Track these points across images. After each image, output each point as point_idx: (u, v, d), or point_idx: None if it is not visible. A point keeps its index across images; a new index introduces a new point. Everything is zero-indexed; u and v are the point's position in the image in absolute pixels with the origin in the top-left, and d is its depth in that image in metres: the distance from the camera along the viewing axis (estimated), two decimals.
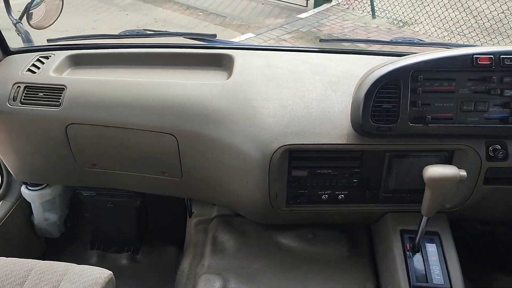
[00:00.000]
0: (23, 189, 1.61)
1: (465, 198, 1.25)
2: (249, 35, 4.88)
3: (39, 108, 1.31)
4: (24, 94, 1.32)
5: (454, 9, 5.03)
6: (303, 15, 5.48)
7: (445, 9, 5.08)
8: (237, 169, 1.25)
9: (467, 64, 1.13)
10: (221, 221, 1.48)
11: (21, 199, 1.65)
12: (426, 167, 1.05)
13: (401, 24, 5.25)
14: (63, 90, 1.32)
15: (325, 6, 5.71)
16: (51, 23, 1.67)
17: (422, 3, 5.32)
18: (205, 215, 1.56)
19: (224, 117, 1.24)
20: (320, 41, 1.55)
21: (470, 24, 4.86)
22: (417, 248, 1.22)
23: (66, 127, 1.31)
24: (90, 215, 1.72)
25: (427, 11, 5.15)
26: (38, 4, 1.61)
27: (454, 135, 1.17)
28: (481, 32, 4.73)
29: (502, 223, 1.64)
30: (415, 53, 1.20)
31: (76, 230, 1.81)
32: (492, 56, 1.13)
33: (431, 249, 1.23)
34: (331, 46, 1.56)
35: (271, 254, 1.37)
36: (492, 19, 4.74)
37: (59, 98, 1.31)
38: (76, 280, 1.01)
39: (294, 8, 5.79)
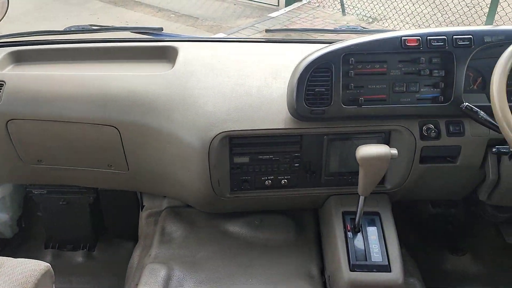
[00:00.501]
0: None
1: (404, 178, 1.28)
2: (221, 35, 4.89)
3: None
4: None
5: (421, 4, 5.11)
6: (274, 14, 5.50)
7: (412, 4, 5.15)
8: (179, 158, 1.25)
9: (396, 46, 1.16)
10: (171, 212, 1.49)
11: None
12: (358, 147, 1.07)
13: (370, 20, 5.31)
14: (1, 86, 1.31)
15: (296, 4, 5.75)
16: None
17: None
18: (155, 208, 1.56)
19: (163, 106, 1.25)
20: (266, 32, 1.57)
21: (436, 19, 4.94)
22: (358, 228, 1.24)
23: (6, 123, 1.31)
24: (43, 213, 1.70)
25: (394, 7, 5.22)
26: None
27: (388, 116, 1.20)
28: (447, 25, 4.81)
29: (446, 204, 1.68)
30: None
31: (30, 230, 1.79)
32: (419, 37, 1.16)
33: (372, 228, 1.25)
34: (278, 36, 1.58)
35: (218, 242, 1.37)
36: (457, 13, 4.82)
37: None
38: (11, 273, 1.00)
39: (266, 8, 5.80)
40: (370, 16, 5.35)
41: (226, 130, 1.19)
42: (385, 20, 5.22)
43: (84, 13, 5.90)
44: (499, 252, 1.64)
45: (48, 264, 1.04)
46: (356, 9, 5.49)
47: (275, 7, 5.81)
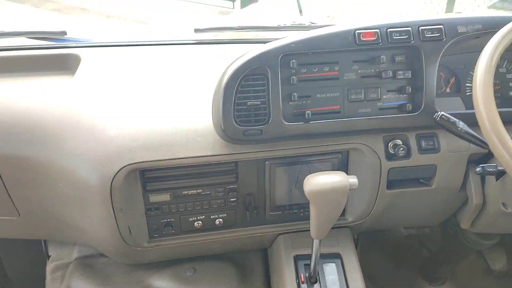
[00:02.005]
0: None
1: (369, 208, 1.01)
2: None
3: None
4: None
5: (380, 5, 4.97)
6: (229, 17, 5.23)
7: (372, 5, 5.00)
8: (75, 199, 0.94)
9: (349, 42, 0.89)
10: (80, 264, 1.17)
11: None
12: (306, 178, 0.80)
13: (329, 19, 5.11)
14: None
15: (251, 6, 5.48)
16: None
17: None
18: (63, 258, 1.24)
19: (53, 132, 0.94)
20: (195, 32, 1.29)
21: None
22: (314, 278, 0.96)
23: None
24: None
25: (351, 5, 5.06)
26: None
27: (344, 132, 0.93)
28: None
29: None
30: None
31: None
32: (377, 30, 0.89)
33: (332, 276, 0.97)
34: (208, 36, 1.29)
35: None
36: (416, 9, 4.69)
37: None
38: None
39: (221, 10, 5.53)
40: (329, 15, 5.15)
41: (134, 161, 0.89)
42: (343, 20, 5.05)
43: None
44: (484, 279, 1.40)
45: None
46: (313, 8, 5.29)
47: (230, 9, 5.55)
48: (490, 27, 0.90)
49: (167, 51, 1.23)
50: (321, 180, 0.78)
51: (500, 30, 0.76)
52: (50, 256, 1.26)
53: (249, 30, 1.29)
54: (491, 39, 0.76)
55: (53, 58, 1.16)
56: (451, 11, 4.34)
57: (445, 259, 1.40)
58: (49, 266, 1.23)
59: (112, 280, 1.12)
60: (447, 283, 1.43)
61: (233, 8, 5.55)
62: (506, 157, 0.67)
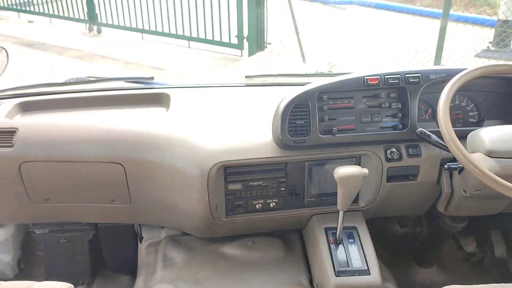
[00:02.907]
0: None
1: (374, 195, 1.52)
2: (178, 82, 5.15)
3: None
4: None
5: (377, 51, 5.62)
6: (238, 64, 5.86)
7: (367, 51, 5.66)
8: (179, 187, 1.44)
9: (360, 84, 1.43)
10: (170, 240, 1.65)
11: None
12: (336, 168, 1.31)
13: (329, 65, 5.74)
14: (14, 133, 1.48)
15: (259, 54, 6.14)
16: None
17: (347, 47, 5.89)
18: (154, 238, 1.72)
19: (164, 143, 1.45)
20: (246, 78, 1.83)
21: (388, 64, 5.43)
22: (339, 241, 1.45)
23: (20, 165, 1.46)
24: (44, 253, 1.81)
25: (350, 53, 5.71)
26: None
27: (358, 142, 1.45)
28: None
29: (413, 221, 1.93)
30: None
31: (30, 270, 1.89)
32: (378, 77, 1.43)
33: (351, 240, 1.47)
34: (255, 81, 1.84)
35: (216, 262, 1.55)
36: (408, 58, 5.34)
37: (11, 140, 1.46)
38: None
39: (230, 58, 6.16)
40: (329, 63, 5.79)
41: (221, 160, 1.40)
42: (342, 66, 5.67)
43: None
44: (461, 262, 1.88)
45: (71, 284, 1.19)
46: (315, 56, 5.94)
47: (238, 57, 6.18)
48: (451, 75, 1.43)
49: (227, 90, 1.76)
50: (346, 169, 1.28)
51: (453, 78, 1.30)
52: (143, 237, 1.74)
53: (284, 76, 1.84)
54: (447, 84, 1.29)
55: (149, 96, 1.69)
56: (440, 57, 4.98)
57: (431, 245, 1.89)
58: (143, 245, 1.70)
59: (195, 249, 1.60)
60: (434, 266, 1.91)
61: (241, 55, 6.20)
62: (460, 156, 1.18)
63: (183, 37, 6.32)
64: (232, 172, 1.44)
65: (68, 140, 1.47)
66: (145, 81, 1.79)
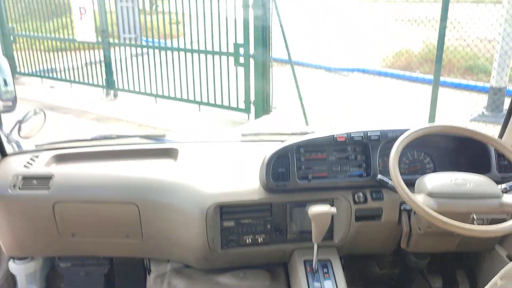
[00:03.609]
0: (11, 263, 2.03)
1: (346, 233, 1.84)
2: (185, 139, 5.58)
3: (33, 191, 1.83)
4: (21, 183, 1.84)
5: (376, 116, 6.06)
6: (245, 127, 6.32)
7: (368, 115, 6.10)
8: (183, 224, 1.79)
9: (331, 141, 1.81)
10: (174, 272, 1.97)
11: (8, 274, 2.05)
12: (310, 207, 1.65)
13: (332, 129, 6.17)
14: (51, 178, 1.86)
15: (264, 118, 6.62)
16: (35, 134, 2.25)
17: (349, 111, 6.36)
18: (161, 270, 2.03)
19: (172, 187, 1.81)
20: (241, 135, 2.23)
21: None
22: (315, 270, 1.76)
23: (53, 205, 1.83)
24: (65, 285, 2.13)
25: (351, 117, 6.15)
26: (26, 120, 2.20)
27: (330, 187, 1.80)
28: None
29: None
30: None
31: None
32: (346, 135, 1.81)
33: (325, 269, 1.77)
34: (249, 138, 2.24)
35: None
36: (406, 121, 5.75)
37: (48, 184, 1.84)
38: None
39: (237, 121, 6.64)
40: (331, 126, 6.22)
41: (218, 201, 1.75)
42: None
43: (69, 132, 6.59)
44: None
45: None
46: (318, 120, 6.39)
47: (245, 120, 6.66)
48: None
49: (226, 145, 2.15)
50: (318, 208, 1.62)
51: (400, 136, 1.66)
52: (151, 270, 2.05)
53: (274, 135, 2.22)
54: (396, 141, 1.65)
55: (161, 150, 2.08)
56: (434, 115, 5.34)
57: (403, 283, 2.16)
58: (151, 276, 2.02)
59: (195, 279, 1.91)
60: None
61: (248, 119, 6.68)
62: (405, 197, 1.52)
63: (193, 101, 6.85)
64: (227, 211, 1.79)
65: (93, 185, 1.84)
66: (157, 137, 2.19)
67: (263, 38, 6.23)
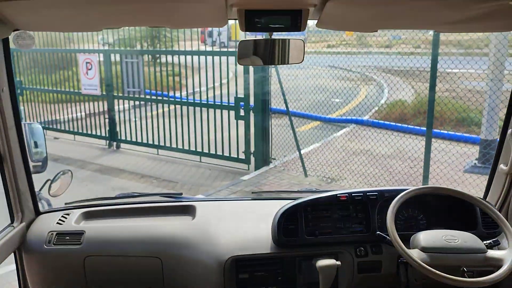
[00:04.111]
0: None
1: (350, 284, 2.05)
2: (200, 197, 5.82)
3: (66, 247, 2.04)
4: (56, 238, 2.06)
5: (370, 167, 6.33)
6: (245, 177, 6.57)
7: (363, 166, 6.37)
8: (202, 276, 2.00)
9: (334, 200, 2.06)
10: None
11: None
12: (318, 260, 1.87)
13: (329, 180, 6.43)
14: (82, 234, 2.08)
15: (264, 168, 6.89)
16: (63, 192, 2.48)
17: (347, 162, 6.64)
18: None
19: (192, 242, 2.04)
20: (252, 193, 2.47)
21: (384, 178, 6.11)
22: None
23: (84, 259, 2.04)
24: None
25: (349, 169, 6.42)
26: (55, 181, 2.44)
27: (335, 243, 2.03)
28: (393, 183, 5.95)
29: None
30: None
31: None
32: (347, 194, 2.07)
33: None
34: (260, 196, 2.48)
35: None
36: (399, 173, 6.02)
37: (80, 239, 2.06)
38: None
39: (238, 172, 6.89)
40: (329, 177, 6.49)
41: (234, 255, 1.97)
42: (341, 180, 6.36)
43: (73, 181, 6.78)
44: None
45: None
46: (316, 171, 6.66)
47: (245, 170, 6.92)
48: (399, 193, 2.06)
49: (239, 203, 2.39)
50: (324, 261, 1.85)
51: (398, 196, 1.92)
52: None
53: (283, 193, 2.47)
54: (392, 202, 1.90)
55: (180, 207, 2.31)
56: (427, 176, 5.65)
57: None
58: None
59: None
60: None
61: (248, 169, 6.94)
62: (401, 251, 1.76)
63: (195, 152, 7.13)
64: (242, 264, 2.00)
65: (121, 240, 2.07)
66: (175, 196, 2.43)
67: (263, 93, 6.61)
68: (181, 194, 2.45)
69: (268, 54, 1.76)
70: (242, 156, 6.84)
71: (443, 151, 6.39)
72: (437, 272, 1.68)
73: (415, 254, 1.79)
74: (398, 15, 1.64)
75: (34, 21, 1.69)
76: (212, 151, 7.00)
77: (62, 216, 2.19)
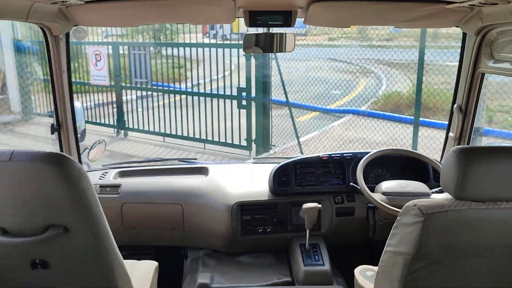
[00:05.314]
0: None
1: (329, 225, 2.71)
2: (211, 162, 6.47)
3: (107, 195, 2.70)
4: (99, 189, 2.72)
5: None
6: (246, 162, 7.22)
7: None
8: (214, 217, 2.66)
9: (318, 160, 2.72)
10: (206, 255, 2.82)
11: None
12: (303, 204, 2.53)
13: None
14: (119, 186, 2.74)
15: (264, 154, 7.54)
16: (99, 158, 3.14)
17: (342, 149, 7.29)
18: (196, 256, 2.88)
19: (206, 192, 2.70)
20: (253, 159, 3.13)
21: None
22: (308, 249, 2.62)
23: (122, 205, 2.69)
24: None
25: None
26: (93, 148, 3.10)
27: (318, 192, 2.69)
28: None
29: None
30: None
31: None
32: (328, 156, 2.73)
33: (314, 249, 2.63)
34: (260, 161, 3.14)
35: (235, 265, 2.71)
36: None
37: (118, 190, 2.72)
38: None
39: (240, 157, 7.54)
40: None
41: (239, 200, 2.63)
42: None
43: None
44: None
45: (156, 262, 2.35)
46: None
47: (247, 157, 7.57)
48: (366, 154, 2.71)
49: (243, 165, 3.05)
50: (308, 204, 2.51)
51: (366, 155, 2.57)
52: (188, 256, 2.90)
53: (278, 158, 3.13)
54: (361, 160, 2.56)
55: (196, 168, 2.97)
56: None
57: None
58: (188, 260, 2.86)
59: (222, 259, 2.76)
60: None
61: (250, 155, 7.58)
62: (367, 195, 2.42)
63: (199, 139, 7.77)
64: (245, 209, 2.66)
65: (150, 191, 2.73)
66: (190, 160, 3.09)
67: (264, 83, 7.25)
68: (196, 159, 3.11)
69: (267, 45, 2.40)
70: (244, 143, 7.47)
71: (432, 139, 7.01)
72: (392, 208, 2.33)
73: (377, 197, 2.44)
74: (365, 14, 2.29)
75: (90, 18, 2.34)
76: (216, 139, 7.62)
77: (102, 174, 2.86)
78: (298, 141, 7.28)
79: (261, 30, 2.35)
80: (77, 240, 1.62)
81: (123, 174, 2.91)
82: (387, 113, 8.76)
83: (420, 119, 7.65)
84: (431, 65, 7.99)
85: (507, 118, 8.50)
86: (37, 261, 1.67)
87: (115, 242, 1.76)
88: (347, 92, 9.84)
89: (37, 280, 1.72)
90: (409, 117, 8.45)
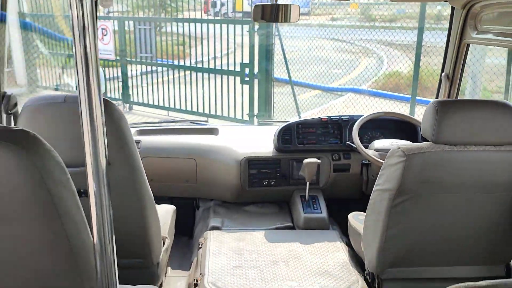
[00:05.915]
0: None
1: (327, 179, 3.08)
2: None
3: None
4: None
5: None
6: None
7: None
8: (225, 171, 3.03)
9: (318, 121, 3.09)
10: (216, 204, 3.20)
11: None
12: (304, 159, 2.89)
13: None
14: (139, 142, 3.10)
15: None
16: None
17: None
18: (207, 206, 3.26)
19: (217, 149, 3.07)
20: (259, 121, 3.50)
21: None
22: (307, 200, 2.99)
23: (142, 158, 3.05)
24: None
25: None
26: None
27: (317, 150, 3.06)
28: None
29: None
30: None
31: None
32: (327, 118, 3.09)
33: (313, 200, 3.01)
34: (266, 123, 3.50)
35: (243, 213, 3.09)
36: None
37: (138, 145, 3.08)
38: None
39: None
40: None
41: (246, 156, 2.99)
42: None
43: None
44: None
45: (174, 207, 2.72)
46: None
47: None
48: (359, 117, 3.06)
49: (250, 127, 3.41)
50: (309, 159, 2.88)
51: (361, 118, 2.93)
52: (200, 206, 3.28)
53: (279, 122, 3.49)
54: (357, 121, 2.92)
55: (207, 129, 3.33)
56: None
57: None
58: (200, 210, 3.24)
59: (231, 208, 3.14)
60: None
61: None
62: (362, 152, 2.79)
63: (202, 114, 8.10)
64: (252, 163, 3.03)
65: (167, 146, 3.09)
66: (202, 122, 3.45)
67: (267, 60, 7.56)
68: (207, 120, 3.47)
69: (273, 15, 2.74)
70: (246, 118, 7.81)
71: None
72: (382, 161, 2.70)
73: (370, 152, 2.81)
74: None
75: None
76: (219, 113, 7.95)
77: None
78: (299, 117, 7.62)
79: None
80: (117, 172, 1.97)
81: (141, 133, 3.26)
82: (386, 92, 9.09)
83: (418, 98, 7.99)
84: (432, 47, 8.30)
85: (503, 99, 8.84)
86: (81, 190, 2.03)
87: (146, 176, 2.10)
88: (349, 72, 10.14)
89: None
90: (408, 96, 8.79)
